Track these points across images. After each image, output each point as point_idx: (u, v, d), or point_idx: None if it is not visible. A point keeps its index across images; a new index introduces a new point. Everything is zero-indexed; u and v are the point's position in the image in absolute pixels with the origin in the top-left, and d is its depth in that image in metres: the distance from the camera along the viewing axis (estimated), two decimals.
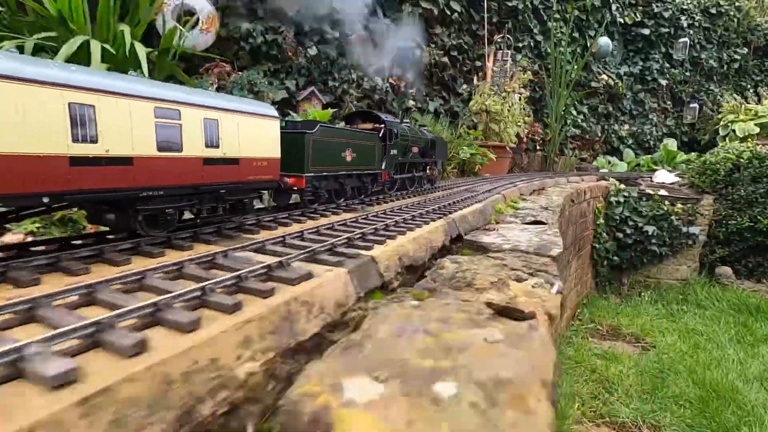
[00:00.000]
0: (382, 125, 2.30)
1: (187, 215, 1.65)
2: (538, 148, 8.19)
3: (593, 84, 9.35)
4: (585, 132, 9.31)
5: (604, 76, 9.56)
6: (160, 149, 1.34)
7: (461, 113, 6.61)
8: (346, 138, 1.96)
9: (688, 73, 11.20)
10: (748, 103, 10.65)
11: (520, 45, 7.82)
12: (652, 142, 10.23)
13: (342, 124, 2.78)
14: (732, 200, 6.12)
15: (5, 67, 1.04)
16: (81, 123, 1.19)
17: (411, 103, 6.62)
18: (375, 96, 6.22)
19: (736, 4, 11.88)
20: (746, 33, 12.42)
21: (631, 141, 10.08)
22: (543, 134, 8.15)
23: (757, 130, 10.37)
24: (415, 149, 2.68)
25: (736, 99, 11.25)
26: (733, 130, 10.65)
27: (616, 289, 6.40)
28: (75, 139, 1.17)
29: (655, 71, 10.48)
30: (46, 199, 1.15)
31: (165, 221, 1.49)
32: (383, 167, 2.22)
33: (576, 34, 9.23)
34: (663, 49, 10.82)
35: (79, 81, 1.17)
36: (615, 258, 6.09)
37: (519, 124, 6.46)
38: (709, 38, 11.74)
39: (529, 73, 6.91)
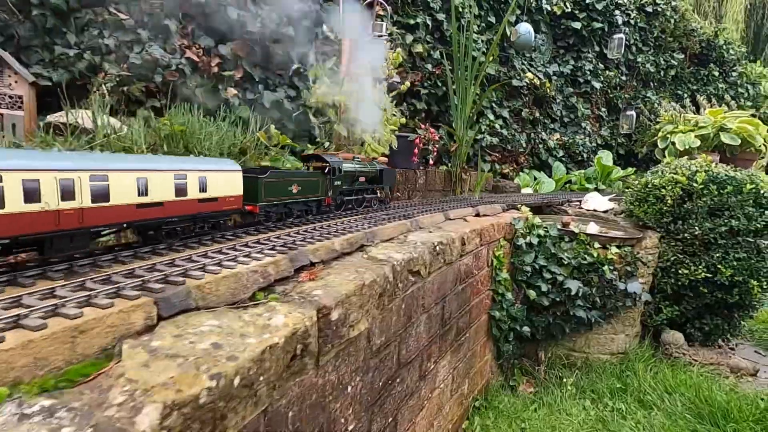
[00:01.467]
0: (326, 165, 2.72)
1: None
2: (435, 161, 6.25)
3: (515, 82, 7.62)
4: (506, 141, 7.54)
5: (530, 74, 7.91)
6: (176, 195, 1.76)
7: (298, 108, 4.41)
8: (293, 177, 2.38)
9: (624, 77, 9.87)
10: (687, 112, 9.50)
11: (413, 22, 5.84)
12: (585, 155, 8.69)
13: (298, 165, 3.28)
14: (683, 240, 4.38)
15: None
16: (144, 187, 1.62)
17: (231, 92, 4.35)
18: (155, 77, 3.91)
19: (673, 3, 10.80)
20: (682, 37, 11.40)
21: (561, 153, 8.47)
22: (446, 143, 6.22)
23: (698, 143, 9.20)
24: (363, 179, 3.11)
25: (675, 108, 10.09)
26: (673, 143, 9.40)
27: (530, 371, 4.47)
28: (140, 194, 1.62)
29: (588, 72, 8.99)
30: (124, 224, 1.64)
31: (175, 234, 1.90)
32: (328, 194, 2.66)
33: (492, 19, 7.45)
34: (597, 48, 9.40)
35: (145, 166, 1.65)
36: (525, 328, 4.11)
37: (389, 126, 4.34)
38: (646, 40, 10.51)
39: (401, 52, 4.82)
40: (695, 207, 4.26)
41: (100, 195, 1.47)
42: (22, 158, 1.32)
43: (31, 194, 1.27)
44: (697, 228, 4.21)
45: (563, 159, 8.67)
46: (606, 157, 8.59)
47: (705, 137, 9.10)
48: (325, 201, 2.64)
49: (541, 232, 4.21)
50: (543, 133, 8.46)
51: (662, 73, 10.80)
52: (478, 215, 4.08)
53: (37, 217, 1.30)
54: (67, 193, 1.36)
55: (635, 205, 4.83)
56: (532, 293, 4.12)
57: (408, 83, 5.10)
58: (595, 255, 4.12)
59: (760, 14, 19.94)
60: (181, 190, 1.75)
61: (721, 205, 4.20)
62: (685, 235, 4.28)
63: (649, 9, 10.23)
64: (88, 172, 1.42)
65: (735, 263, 4.12)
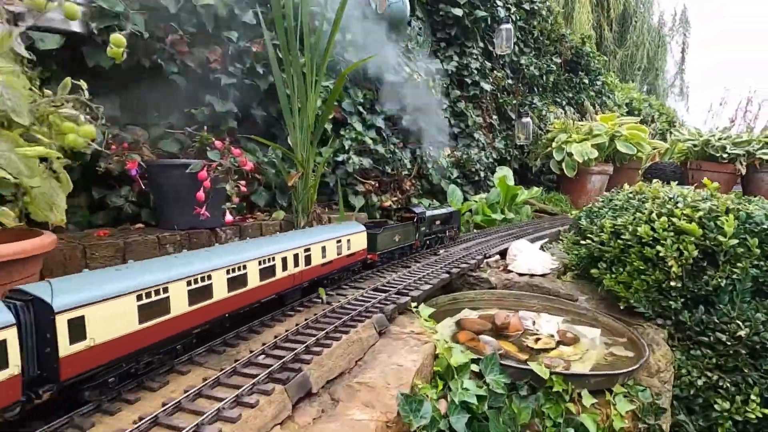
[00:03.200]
0: (414, 215, 3.27)
1: None
2: (249, 207, 3.56)
3: (389, 77, 5.41)
4: (384, 161, 5.23)
5: (408, 69, 5.82)
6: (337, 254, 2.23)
7: None
8: (397, 230, 2.92)
9: (510, 81, 8.56)
10: (573, 120, 8.58)
11: None
12: (482, 173, 6.95)
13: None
14: (713, 346, 2.35)
15: None
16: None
17: None
18: None
19: (547, 3, 10.05)
20: (557, 42, 10.80)
21: (456, 173, 6.55)
22: (280, 172, 3.54)
23: (596, 153, 8.26)
24: (438, 222, 3.62)
25: (565, 115, 9.15)
26: (570, 154, 8.33)
27: None
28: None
29: (475, 71, 7.35)
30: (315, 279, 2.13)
31: (334, 282, 2.36)
32: (416, 239, 3.22)
33: None
34: (481, 44, 7.89)
35: (322, 238, 2.13)
36: None
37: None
38: (527, 41, 9.45)
39: None
40: (727, 279, 2.28)
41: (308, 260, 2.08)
42: None
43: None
44: (738, 322, 2.21)
45: (458, 180, 6.75)
46: (508, 176, 6.94)
47: (601, 146, 8.20)
48: (415, 244, 3.20)
49: (470, 390, 1.75)
50: (431, 147, 6.45)
51: (544, 78, 9.94)
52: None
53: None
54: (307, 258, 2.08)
55: (604, 272, 2.76)
56: None
57: None
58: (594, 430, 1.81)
59: (598, 33, 22.10)
60: (341, 249, 2.30)
61: None
62: (717, 334, 2.27)
63: (527, 6, 9.20)
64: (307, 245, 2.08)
65: None
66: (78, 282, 1.11)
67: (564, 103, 10.82)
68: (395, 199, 5.64)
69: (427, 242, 3.49)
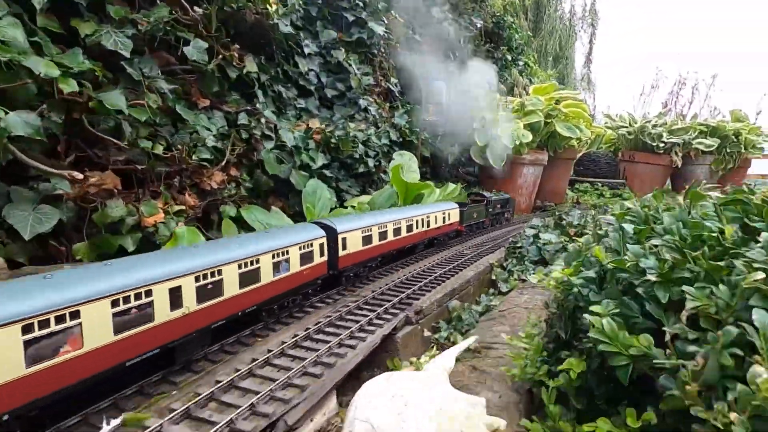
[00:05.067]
0: (484, 199, 4.43)
1: None
2: None
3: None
4: (135, 139, 2.44)
5: None
6: (443, 222, 3.85)
7: None
8: (473, 209, 4.02)
9: (417, 36, 6.20)
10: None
11: None
12: (371, 162, 4.44)
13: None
14: None
15: None
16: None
17: None
18: None
19: None
20: (476, 3, 8.79)
21: (322, 160, 3.92)
22: None
23: (530, 136, 6.23)
24: (499, 206, 4.53)
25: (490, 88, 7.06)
26: (497, 137, 6.25)
27: None
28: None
29: (360, 3, 4.84)
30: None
31: (439, 243, 4.06)
32: (485, 216, 4.33)
33: None
34: None
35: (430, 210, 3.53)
36: None
37: None
38: None
39: None
40: None
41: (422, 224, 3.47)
42: None
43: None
44: None
45: (328, 173, 4.10)
46: (408, 165, 4.52)
47: (535, 127, 6.22)
48: (485, 221, 4.23)
49: None
50: (278, 116, 3.72)
51: (461, 41, 7.83)
52: None
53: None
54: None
55: None
56: None
57: None
58: None
59: (520, 18, 21.13)
60: (444, 219, 3.50)
61: None
62: None
63: None
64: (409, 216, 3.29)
65: None
66: (347, 218, 2.91)
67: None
68: (181, 208, 2.88)
69: (493, 220, 4.49)
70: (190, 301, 1.27)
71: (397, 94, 5.20)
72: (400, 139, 5.12)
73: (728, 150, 7.85)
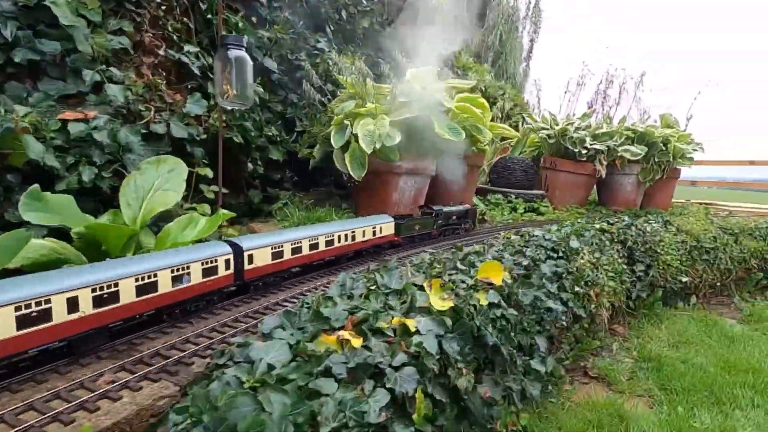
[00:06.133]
0: (432, 212, 4.04)
1: None
2: None
3: None
4: None
5: None
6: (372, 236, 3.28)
7: None
8: (415, 222, 3.74)
9: None
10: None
11: None
12: (88, 173, 2.62)
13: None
14: None
15: None
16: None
17: None
18: None
19: None
20: None
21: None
22: None
23: (397, 137, 4.55)
24: (454, 217, 4.29)
25: (363, 71, 5.41)
26: (355, 136, 4.56)
27: None
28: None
29: None
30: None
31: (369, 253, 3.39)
32: (432, 228, 3.98)
33: None
34: None
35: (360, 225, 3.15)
36: None
37: None
38: None
39: None
40: None
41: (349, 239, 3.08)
42: None
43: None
44: None
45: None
46: (172, 180, 2.79)
47: (413, 125, 4.69)
48: (433, 233, 3.98)
49: None
50: None
51: (343, 13, 6.14)
52: None
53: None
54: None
55: None
56: None
57: None
58: None
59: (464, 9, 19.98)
60: (374, 233, 3.23)
61: None
62: None
63: None
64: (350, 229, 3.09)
65: None
66: (259, 236, 2.38)
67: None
68: None
69: (445, 231, 4.20)
70: (86, 307, 1.83)
71: (197, 71, 3.46)
72: (202, 137, 3.39)
73: (656, 159, 6.72)
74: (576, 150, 6.64)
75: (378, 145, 3.78)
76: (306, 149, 4.42)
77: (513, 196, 6.46)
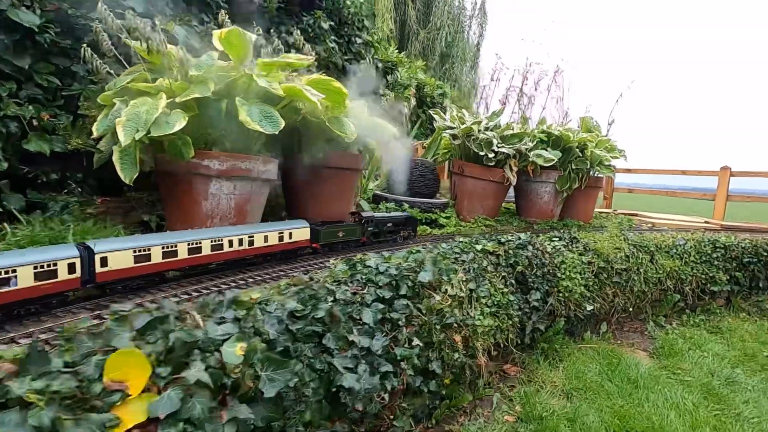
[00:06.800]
0: (362, 218, 3.89)
1: None
2: None
3: None
4: None
5: None
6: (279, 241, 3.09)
7: None
8: (338, 228, 3.60)
9: None
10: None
11: None
12: None
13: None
14: None
15: None
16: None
17: None
18: None
19: None
20: None
21: None
22: None
23: (181, 122, 3.34)
24: (390, 224, 4.14)
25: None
26: (119, 119, 3.24)
27: None
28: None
29: None
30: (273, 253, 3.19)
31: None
32: (361, 235, 3.84)
33: None
34: None
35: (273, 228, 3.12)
36: None
37: None
38: None
39: None
40: None
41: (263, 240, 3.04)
42: None
43: None
44: None
45: None
46: None
47: (204, 106, 3.41)
48: (363, 240, 3.84)
49: None
50: None
51: None
52: None
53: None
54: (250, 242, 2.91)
55: None
56: None
57: None
58: None
59: (402, 10, 19.18)
60: (281, 238, 3.16)
61: None
62: None
63: None
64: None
65: None
66: (122, 239, 2.22)
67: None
68: None
69: (378, 239, 4.07)
70: None
71: None
72: None
73: (573, 166, 5.88)
74: (482, 153, 5.73)
75: (141, 134, 2.58)
76: (78, 139, 3.14)
77: (408, 205, 5.46)
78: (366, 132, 4.33)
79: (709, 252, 5.47)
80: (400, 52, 14.62)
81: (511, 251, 4.10)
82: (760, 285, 5.78)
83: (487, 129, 5.87)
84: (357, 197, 4.96)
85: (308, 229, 3.42)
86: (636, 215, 8.32)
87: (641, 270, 5.23)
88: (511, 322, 3.90)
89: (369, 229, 4.02)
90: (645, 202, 16.40)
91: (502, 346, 3.90)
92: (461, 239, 3.92)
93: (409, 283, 2.78)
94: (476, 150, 5.77)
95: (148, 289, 2.27)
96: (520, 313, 4.02)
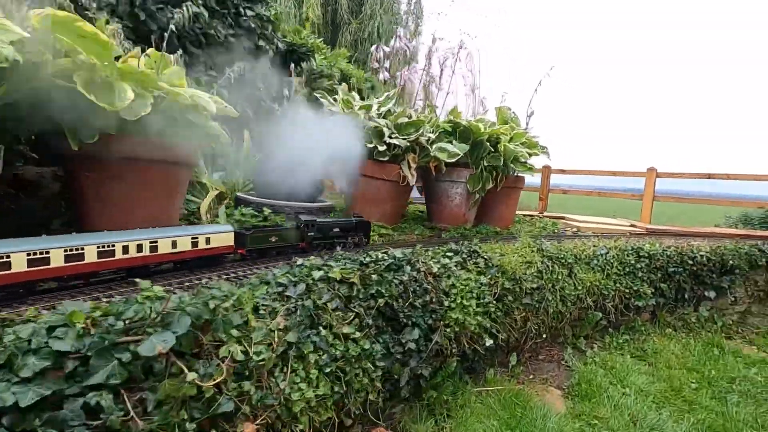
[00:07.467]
0: (300, 223, 3.53)
1: None
2: None
3: None
4: None
5: None
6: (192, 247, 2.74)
7: None
8: (270, 233, 3.30)
9: None
10: None
11: None
12: None
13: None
14: None
15: None
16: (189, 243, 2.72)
17: None
18: None
19: None
20: None
21: None
22: None
23: None
24: (337, 229, 3.75)
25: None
26: None
27: None
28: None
29: None
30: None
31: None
32: (299, 240, 3.51)
33: None
34: None
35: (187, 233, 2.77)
36: None
37: None
38: None
39: None
40: None
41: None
42: None
43: None
44: None
45: None
46: None
47: None
48: (299, 246, 3.51)
49: None
50: None
51: None
52: None
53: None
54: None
55: None
56: None
57: None
58: None
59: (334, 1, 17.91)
60: (196, 244, 2.86)
61: None
62: None
63: None
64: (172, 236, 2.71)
65: None
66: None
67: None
68: None
69: (321, 245, 3.76)
70: None
71: None
72: None
73: (486, 163, 4.84)
74: (372, 145, 4.57)
75: None
76: None
77: (269, 211, 4.19)
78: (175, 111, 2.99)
79: (633, 262, 4.68)
80: (331, 45, 13.28)
81: (375, 276, 2.92)
82: (686, 296, 5.09)
83: (380, 115, 4.74)
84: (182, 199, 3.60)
85: (231, 233, 3.22)
86: (563, 218, 7.61)
87: (557, 288, 4.26)
88: (368, 379, 2.72)
89: (310, 234, 3.67)
90: (579, 204, 16.17)
91: (355, 413, 2.71)
92: (312, 260, 2.71)
93: (118, 361, 1.50)
94: (366, 142, 4.61)
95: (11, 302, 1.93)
96: (387, 363, 2.87)
